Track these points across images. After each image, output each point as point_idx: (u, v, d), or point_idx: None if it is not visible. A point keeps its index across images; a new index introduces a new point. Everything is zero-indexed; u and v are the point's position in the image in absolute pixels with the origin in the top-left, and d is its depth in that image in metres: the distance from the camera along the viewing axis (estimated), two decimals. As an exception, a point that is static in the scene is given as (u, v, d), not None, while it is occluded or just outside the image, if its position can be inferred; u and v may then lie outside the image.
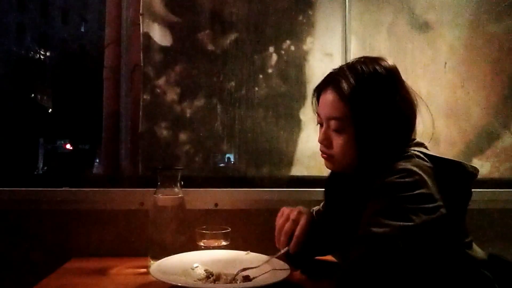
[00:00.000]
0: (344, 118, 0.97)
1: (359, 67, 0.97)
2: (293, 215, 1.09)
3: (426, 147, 1.01)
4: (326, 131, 1.02)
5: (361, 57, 1.01)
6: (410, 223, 0.81)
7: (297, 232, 1.06)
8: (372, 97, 0.95)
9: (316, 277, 1.15)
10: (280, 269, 1.04)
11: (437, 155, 0.94)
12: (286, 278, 1.00)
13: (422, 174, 0.87)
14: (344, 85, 0.96)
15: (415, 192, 0.84)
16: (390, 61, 1.00)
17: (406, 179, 0.86)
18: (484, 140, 1.86)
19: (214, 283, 1.01)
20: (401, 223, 0.81)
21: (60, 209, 1.39)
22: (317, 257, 1.26)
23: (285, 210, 1.13)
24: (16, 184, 1.42)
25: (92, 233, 1.38)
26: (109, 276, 1.15)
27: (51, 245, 1.36)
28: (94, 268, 1.20)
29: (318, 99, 1.06)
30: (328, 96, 1.00)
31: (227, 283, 1.01)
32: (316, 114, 1.07)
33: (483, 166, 1.82)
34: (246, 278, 1.02)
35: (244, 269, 1.04)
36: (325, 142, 1.02)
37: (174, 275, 1.00)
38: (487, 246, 1.01)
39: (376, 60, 0.99)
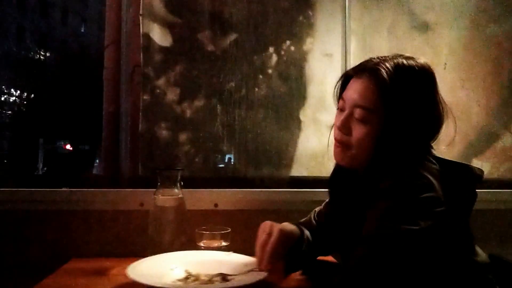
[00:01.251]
0: (374, 109, 0.91)
1: (400, 61, 0.93)
2: (266, 228, 1.02)
3: (433, 148, 0.98)
4: (348, 118, 0.95)
5: (399, 54, 0.96)
6: (416, 227, 0.80)
7: (267, 248, 0.98)
8: (409, 96, 0.91)
9: (316, 277, 1.15)
10: (257, 270, 1.01)
11: (444, 158, 0.93)
12: (265, 278, 0.98)
13: (430, 177, 0.86)
14: (385, 76, 0.90)
15: (422, 196, 0.83)
16: (428, 63, 0.96)
17: (414, 182, 0.85)
18: (484, 140, 1.86)
19: (193, 283, 1.00)
20: (407, 226, 0.80)
21: (60, 210, 1.39)
22: (318, 258, 1.26)
23: (261, 225, 1.06)
24: (16, 185, 1.42)
25: (92, 233, 1.39)
26: (109, 276, 1.15)
27: (51, 245, 1.36)
28: (94, 268, 1.20)
29: (344, 84, 1.01)
30: (362, 83, 0.94)
31: (204, 284, 1.00)
32: (338, 99, 1.02)
33: (483, 167, 1.82)
34: (224, 279, 1.01)
35: (221, 274, 1.03)
36: (344, 129, 0.95)
37: (153, 276, 0.98)
38: (487, 246, 1.01)
39: (411, 58, 0.95)
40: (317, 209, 1.27)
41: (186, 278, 1.03)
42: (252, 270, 1.02)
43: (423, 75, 0.94)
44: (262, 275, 0.98)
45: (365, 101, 0.93)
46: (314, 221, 1.23)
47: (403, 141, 0.90)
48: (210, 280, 1.01)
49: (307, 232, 1.10)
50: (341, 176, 1.08)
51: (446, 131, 1.00)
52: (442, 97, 0.97)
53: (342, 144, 0.97)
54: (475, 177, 0.94)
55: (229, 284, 0.98)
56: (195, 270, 1.06)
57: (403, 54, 0.96)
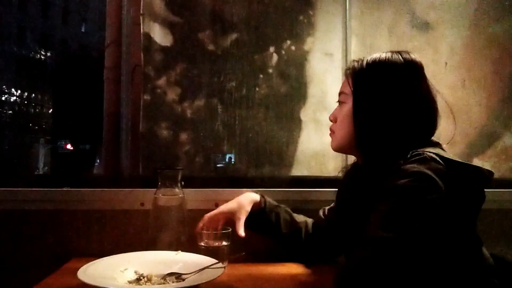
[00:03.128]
0: (347, 92, 1.05)
1: (378, 54, 1.02)
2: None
3: (441, 148, 0.97)
4: (337, 108, 1.10)
5: (392, 50, 1.04)
6: (419, 229, 0.79)
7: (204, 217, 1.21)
8: (379, 79, 0.98)
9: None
10: (214, 267, 1.01)
11: (453, 158, 0.90)
12: (221, 276, 0.98)
13: (436, 178, 0.83)
14: (355, 64, 1.04)
15: (427, 197, 0.82)
16: (416, 56, 1.01)
17: (419, 183, 0.83)
18: (485, 140, 1.86)
19: (146, 284, 0.99)
20: (411, 228, 0.79)
21: (61, 209, 1.38)
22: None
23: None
24: (16, 185, 1.42)
25: (92, 233, 1.38)
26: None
27: (51, 245, 1.36)
28: (94, 268, 1.19)
29: None
30: (345, 76, 1.08)
31: (159, 284, 0.99)
32: None
33: (484, 166, 1.81)
34: (179, 278, 1.00)
35: (173, 274, 1.02)
36: (332, 117, 1.11)
37: (104, 278, 0.96)
38: (487, 246, 1.01)
39: (400, 52, 1.01)
40: (327, 207, 1.27)
41: (138, 279, 1.01)
42: (205, 268, 1.01)
43: (402, 67, 0.99)
44: (218, 272, 0.98)
45: (342, 87, 1.08)
46: (322, 215, 1.25)
47: (380, 123, 0.96)
48: (163, 280, 1.00)
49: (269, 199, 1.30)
50: (352, 176, 1.13)
51: (447, 130, 1.00)
52: (435, 90, 1.00)
53: (331, 131, 1.11)
54: (484, 179, 0.91)
55: (185, 283, 0.96)
56: (146, 271, 1.04)
57: (396, 50, 1.02)
